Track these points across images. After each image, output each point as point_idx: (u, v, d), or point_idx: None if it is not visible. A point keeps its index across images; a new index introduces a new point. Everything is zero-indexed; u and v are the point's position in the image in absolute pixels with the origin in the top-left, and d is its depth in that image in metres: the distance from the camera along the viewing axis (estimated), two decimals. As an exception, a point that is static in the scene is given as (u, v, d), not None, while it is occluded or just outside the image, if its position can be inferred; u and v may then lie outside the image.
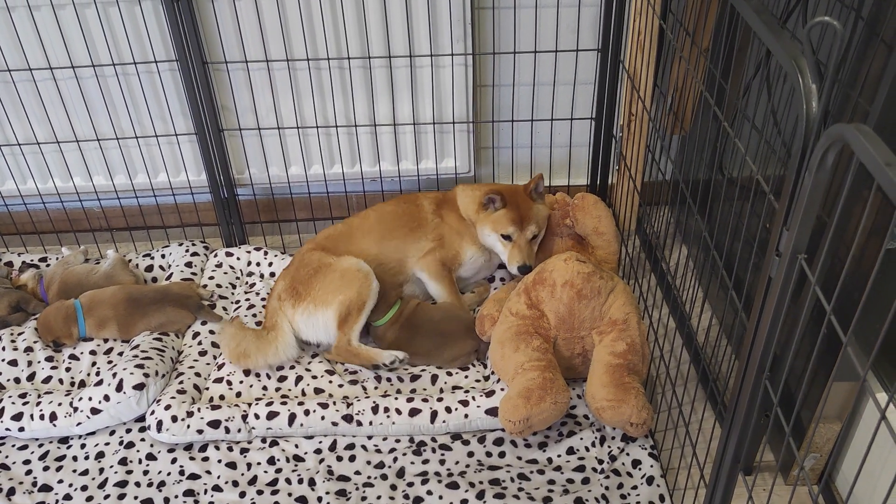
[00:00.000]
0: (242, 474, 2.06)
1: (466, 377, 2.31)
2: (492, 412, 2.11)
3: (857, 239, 1.19)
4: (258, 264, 2.76)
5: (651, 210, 2.72)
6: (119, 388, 2.16)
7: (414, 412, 2.12)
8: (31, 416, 2.16)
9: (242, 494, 2.00)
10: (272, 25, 2.48)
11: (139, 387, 2.17)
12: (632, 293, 2.25)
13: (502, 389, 2.14)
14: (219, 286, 2.65)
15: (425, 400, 2.15)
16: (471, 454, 2.09)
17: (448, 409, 2.13)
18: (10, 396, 2.20)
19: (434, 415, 2.12)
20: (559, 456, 2.07)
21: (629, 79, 2.53)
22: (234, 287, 2.69)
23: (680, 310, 2.37)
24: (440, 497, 1.95)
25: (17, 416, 2.16)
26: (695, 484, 1.95)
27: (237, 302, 2.61)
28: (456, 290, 2.49)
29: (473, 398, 2.14)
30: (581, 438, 2.09)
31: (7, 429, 2.16)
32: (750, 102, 2.18)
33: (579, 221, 2.49)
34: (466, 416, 2.12)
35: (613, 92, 2.58)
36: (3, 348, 2.40)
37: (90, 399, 2.16)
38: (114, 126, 2.66)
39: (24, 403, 2.18)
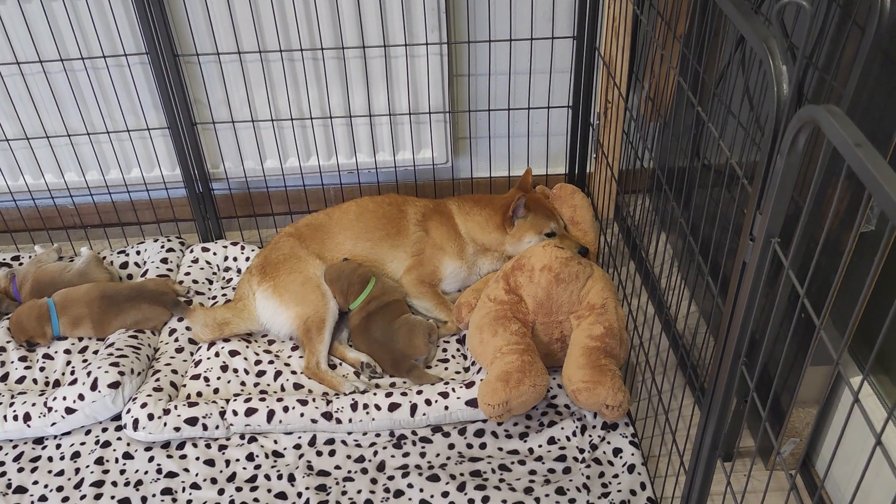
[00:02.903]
0: (221, 471, 2.04)
1: (446, 369, 2.30)
2: (472, 403, 2.10)
3: (829, 223, 1.18)
4: (235, 259, 2.73)
5: (629, 198, 2.71)
6: (94, 386, 2.13)
7: (393, 407, 2.11)
8: (5, 416, 2.12)
9: (221, 492, 1.98)
10: (244, 17, 2.44)
11: (114, 385, 2.14)
12: (610, 280, 2.25)
13: (482, 380, 2.12)
14: (195, 282, 2.62)
15: (404, 394, 2.14)
16: (451, 446, 2.07)
17: (428, 402, 2.11)
18: (-18, 398, 2.17)
19: (414, 408, 2.10)
20: (540, 446, 2.06)
21: (605, 66, 2.52)
22: (210, 283, 2.66)
23: (659, 297, 2.36)
24: (421, 490, 1.93)
25: (-9, 418, 2.13)
26: (675, 471, 1.95)
27: (214, 297, 2.58)
28: (441, 301, 2.45)
29: (453, 390, 2.13)
30: (562, 428, 2.08)
31: (-20, 431, 2.13)
32: (726, 88, 2.17)
33: (557, 211, 2.49)
34: (447, 407, 2.10)
35: (590, 80, 2.57)
36: (-24, 349, 2.37)
37: (65, 398, 2.12)
38: (84, 121, 2.61)
39: (-2, 404, 2.15)
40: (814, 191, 0.99)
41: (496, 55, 2.62)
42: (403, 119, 2.67)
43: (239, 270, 2.70)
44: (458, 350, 2.37)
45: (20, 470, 2.07)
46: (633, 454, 1.99)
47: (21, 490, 2.02)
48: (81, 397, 2.12)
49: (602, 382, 1.99)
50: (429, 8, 2.45)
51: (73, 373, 2.30)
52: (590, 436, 2.06)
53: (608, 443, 2.05)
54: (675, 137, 2.37)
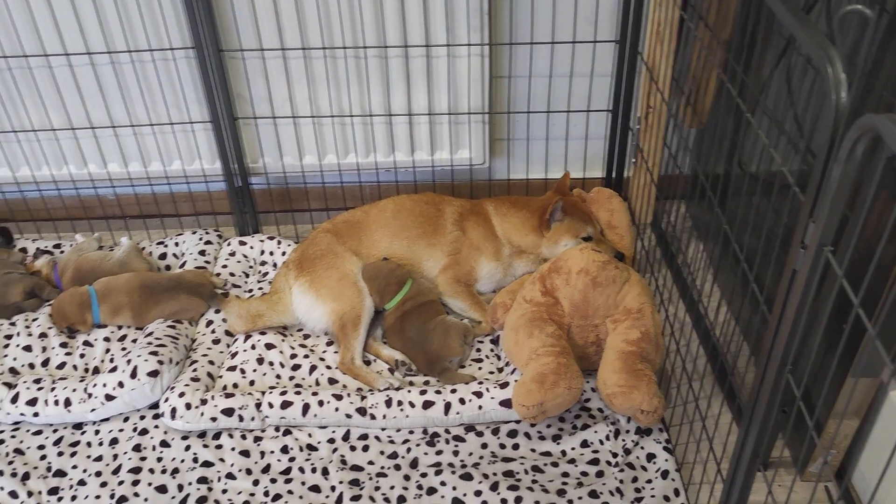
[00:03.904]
0: (256, 462, 2.06)
1: (480, 368, 2.30)
2: (506, 404, 2.10)
3: (888, 232, 1.17)
4: (271, 253, 2.76)
5: (668, 204, 2.70)
6: (133, 374, 2.16)
7: (427, 404, 2.12)
8: (46, 401, 2.16)
9: (256, 482, 2.00)
10: (288, 13, 2.47)
11: (153, 374, 2.17)
12: (647, 285, 2.24)
13: (516, 381, 2.13)
14: (232, 275, 2.65)
15: (438, 392, 2.15)
16: (484, 446, 2.08)
17: (462, 401, 2.12)
18: (24, 382, 2.20)
19: (448, 407, 2.11)
20: (573, 448, 2.06)
21: (647, 70, 2.51)
22: (247, 276, 2.69)
23: (696, 304, 2.35)
24: (454, 488, 1.94)
25: (32, 402, 2.16)
26: (710, 479, 1.94)
27: (250, 290, 2.61)
28: (477, 301, 2.45)
29: (487, 389, 2.14)
30: (595, 431, 2.08)
31: (22, 414, 2.16)
32: (767, 95, 2.16)
33: (594, 215, 2.50)
34: (480, 407, 2.11)
35: (631, 84, 2.56)
36: (18, 334, 2.41)
37: (104, 385, 2.16)
38: (129, 113, 2.66)
39: (39, 389, 2.18)
40: (871, 200, 0.99)
41: (536, 57, 2.62)
42: (442, 119, 2.68)
43: (275, 265, 2.73)
44: (491, 350, 2.38)
45: (60, 454, 2.10)
46: (666, 460, 1.99)
47: (61, 474, 2.05)
48: (121, 385, 2.15)
49: (638, 387, 1.99)
50: (472, 9, 2.45)
51: (112, 360, 2.34)
52: (623, 440, 2.06)
53: (642, 448, 2.04)
54: (714, 144, 2.36)
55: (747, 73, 2.18)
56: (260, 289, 2.60)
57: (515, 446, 2.08)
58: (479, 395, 2.13)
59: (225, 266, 2.67)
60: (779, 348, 1.28)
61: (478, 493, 1.92)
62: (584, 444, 2.06)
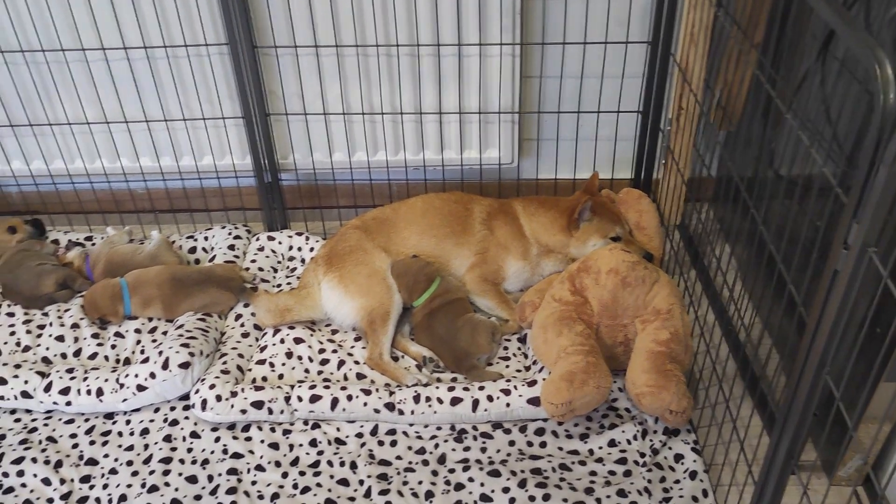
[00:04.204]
0: (285, 455, 2.07)
1: (507, 367, 2.31)
2: (534, 402, 2.11)
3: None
4: (299, 249, 2.78)
5: (697, 206, 2.70)
6: (165, 366, 2.18)
7: (455, 401, 2.13)
8: (79, 390, 2.19)
9: (285, 475, 2.02)
10: (322, 10, 2.49)
11: (185, 365, 2.19)
12: (676, 286, 2.24)
13: (544, 379, 2.13)
14: (260, 269, 2.67)
15: (466, 389, 2.16)
16: (512, 443, 2.09)
17: (490, 398, 2.13)
18: (57, 371, 2.23)
19: (476, 403, 2.12)
20: (600, 448, 2.06)
21: (680, 72, 2.51)
22: (275, 271, 2.71)
23: (724, 307, 2.35)
24: (482, 484, 1.95)
25: (65, 391, 2.19)
26: (738, 480, 1.93)
27: (279, 285, 2.63)
28: (504, 300, 2.46)
29: (515, 387, 2.15)
30: (623, 431, 2.08)
31: (55, 402, 2.20)
32: (802, 98, 2.16)
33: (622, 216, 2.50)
34: (508, 405, 2.12)
35: (662, 85, 2.56)
36: (51, 324, 2.44)
37: (136, 376, 2.19)
38: (162, 108, 2.68)
39: (72, 378, 2.21)
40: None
41: (567, 58, 2.63)
42: (472, 118, 2.69)
43: (303, 260, 2.75)
44: (518, 349, 2.38)
45: (92, 443, 2.13)
46: (694, 461, 1.99)
47: (92, 462, 2.08)
48: (153, 375, 2.18)
49: (667, 387, 1.99)
50: (504, 8, 2.46)
51: (143, 351, 2.36)
52: (651, 440, 2.06)
53: (669, 448, 2.04)
54: (746, 146, 2.36)
55: (779, 75, 2.18)
56: (288, 284, 2.63)
57: (543, 444, 2.09)
58: (506, 392, 2.14)
59: (253, 261, 2.70)
60: (817, 349, 1.28)
61: (506, 490, 1.93)
62: (612, 443, 2.07)
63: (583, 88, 2.67)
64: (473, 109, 2.67)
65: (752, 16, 2.26)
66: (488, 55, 2.56)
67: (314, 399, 2.14)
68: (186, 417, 2.18)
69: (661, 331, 2.10)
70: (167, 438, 2.12)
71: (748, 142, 2.39)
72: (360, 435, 2.13)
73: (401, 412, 2.13)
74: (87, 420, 2.20)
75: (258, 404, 2.13)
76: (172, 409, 2.21)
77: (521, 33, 2.52)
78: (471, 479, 1.97)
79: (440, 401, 2.13)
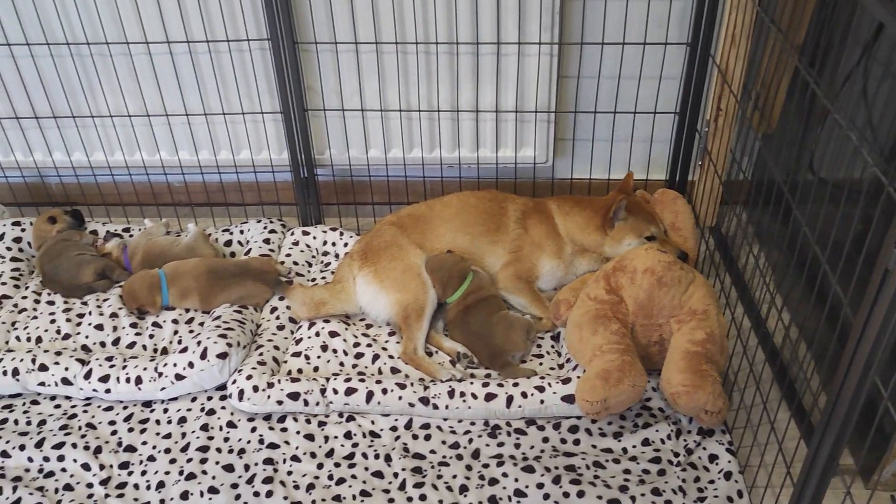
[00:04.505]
0: (320, 446, 2.09)
1: (541, 364, 2.32)
2: (568, 399, 2.12)
3: None
4: (333, 244, 2.81)
5: (733, 207, 2.69)
6: (203, 355, 2.21)
7: (490, 397, 2.14)
8: (118, 378, 2.23)
9: (320, 466, 2.04)
10: (363, 8, 2.51)
11: (222, 356, 2.22)
12: (712, 287, 2.24)
13: (578, 377, 2.14)
14: (295, 263, 2.70)
15: (501, 385, 2.17)
16: (546, 440, 2.10)
17: (524, 395, 2.14)
18: (97, 359, 2.27)
19: (510, 400, 2.13)
20: (634, 447, 2.06)
21: (720, 73, 2.51)
22: (310, 265, 2.73)
23: (758, 309, 2.35)
24: (516, 479, 1.96)
25: (104, 378, 2.22)
26: (773, 483, 1.93)
27: (313, 279, 2.66)
28: (538, 298, 2.47)
29: (549, 384, 2.15)
30: (657, 430, 2.08)
31: (94, 389, 2.23)
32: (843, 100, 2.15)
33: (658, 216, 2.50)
34: (542, 401, 2.13)
35: (700, 87, 2.56)
36: (90, 313, 2.48)
37: (175, 365, 2.22)
38: (203, 102, 2.72)
39: (111, 366, 2.25)
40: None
41: (604, 59, 2.63)
42: (508, 117, 2.71)
43: (337, 255, 2.77)
44: (552, 347, 2.39)
45: (130, 430, 2.16)
46: (729, 461, 1.99)
47: (131, 449, 2.11)
48: (191, 365, 2.21)
49: (703, 387, 1.99)
50: (544, 8, 2.47)
51: (180, 342, 2.39)
52: (685, 440, 2.06)
53: (704, 448, 2.04)
54: (786, 148, 2.35)
55: (822, 77, 2.17)
56: (323, 278, 2.65)
57: (576, 441, 2.09)
58: (541, 389, 2.14)
59: (288, 255, 2.72)
60: (864, 350, 1.28)
61: (540, 486, 1.94)
62: (646, 442, 2.07)
63: (619, 89, 2.68)
64: (510, 108, 2.68)
65: (793, 17, 2.25)
66: (526, 54, 2.57)
67: (349, 392, 2.16)
68: (223, 407, 2.21)
69: (697, 331, 2.10)
70: (204, 427, 2.15)
71: (788, 144, 2.38)
72: (394, 428, 2.14)
73: (435, 406, 2.14)
74: (125, 408, 2.23)
75: (294, 396, 2.15)
76: (209, 398, 2.24)
77: (559, 33, 2.53)
78: (505, 475, 1.98)
79: (474, 396, 2.14)
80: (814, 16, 2.25)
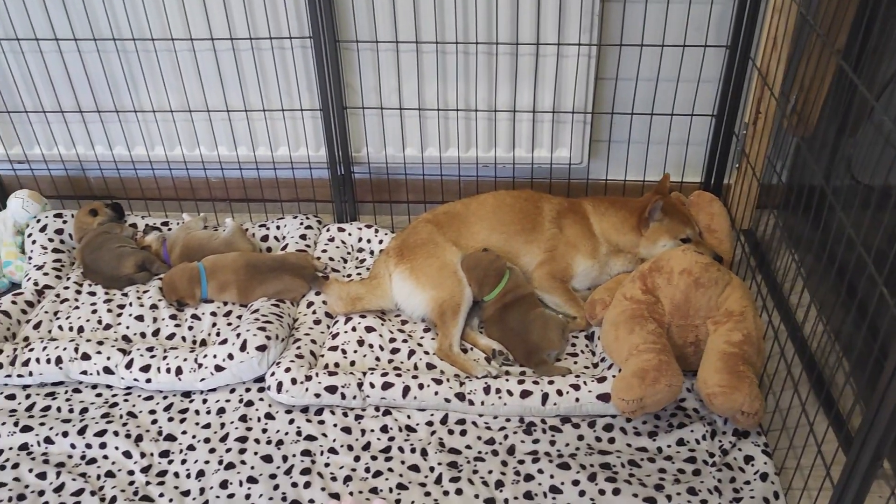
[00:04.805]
0: (357, 440, 2.12)
1: (576, 363, 2.33)
2: (603, 398, 2.13)
3: None
4: (368, 241, 2.83)
5: (767, 212, 2.69)
6: (243, 347, 2.24)
7: (525, 394, 2.15)
8: (158, 368, 2.26)
9: (357, 458, 2.06)
10: (404, 7, 2.54)
11: (262, 348, 2.25)
12: (748, 290, 2.24)
13: (614, 376, 2.15)
14: (331, 259, 2.72)
15: (536, 382, 2.18)
16: (581, 437, 2.11)
17: (559, 392, 2.15)
18: (138, 349, 2.30)
19: (545, 397, 2.15)
20: (669, 446, 2.07)
21: (761, 76, 2.51)
22: (345, 261, 2.76)
23: (793, 314, 2.34)
24: (551, 476, 1.97)
25: (145, 368, 2.26)
26: (810, 485, 1.93)
27: (348, 275, 2.68)
28: (572, 297, 2.48)
29: (585, 383, 2.16)
30: (691, 431, 2.09)
31: (135, 379, 2.27)
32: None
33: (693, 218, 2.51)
34: (577, 399, 2.14)
35: (739, 89, 2.56)
36: (131, 304, 2.52)
37: (215, 357, 2.25)
38: (244, 98, 2.76)
39: (152, 357, 2.28)
40: None
41: (642, 61, 2.64)
42: (544, 117, 2.72)
43: (372, 252, 2.80)
44: (586, 346, 2.40)
45: (170, 420, 2.20)
46: (765, 463, 1.99)
47: (171, 438, 2.14)
48: (231, 357, 2.24)
49: (739, 388, 1.99)
50: (584, 9, 2.49)
51: (218, 334, 2.43)
52: (720, 441, 2.07)
53: (739, 449, 2.05)
54: (826, 153, 2.35)
55: (862, 79, 2.17)
56: (358, 274, 2.68)
57: (611, 440, 2.10)
58: (576, 387, 2.16)
59: (324, 251, 2.75)
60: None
61: (575, 483, 1.95)
62: (680, 442, 2.08)
63: (656, 92, 2.68)
64: (547, 109, 2.69)
65: (834, 20, 2.25)
66: (565, 55, 2.59)
67: (386, 386, 2.18)
68: (261, 399, 2.24)
69: (734, 332, 2.11)
70: (242, 418, 2.18)
71: (825, 148, 2.38)
72: (430, 423, 2.16)
73: (471, 402, 2.16)
74: (165, 397, 2.27)
75: (332, 389, 2.18)
76: (247, 390, 2.27)
77: (598, 34, 2.54)
78: (540, 471, 1.99)
79: (510, 393, 2.16)
80: (855, 19, 2.25)
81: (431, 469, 2.03)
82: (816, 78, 2.33)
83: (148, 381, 2.26)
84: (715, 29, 2.57)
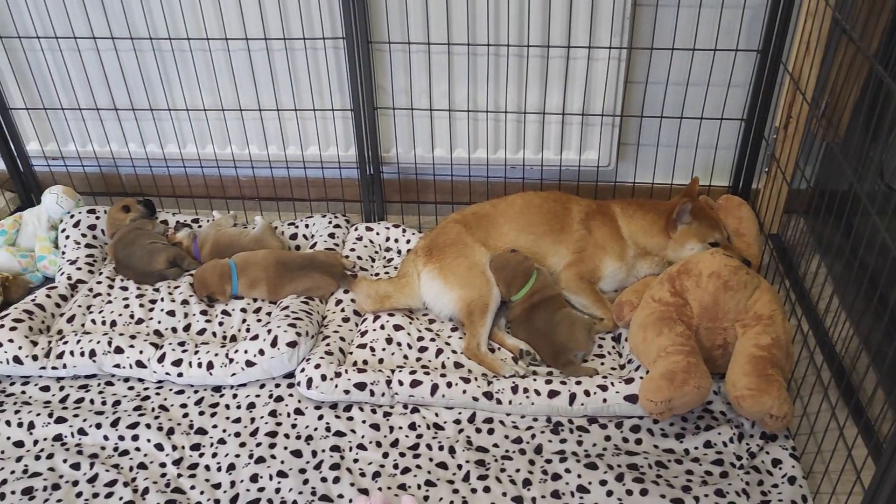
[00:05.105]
0: (385, 436, 2.14)
1: (602, 364, 2.34)
2: (630, 399, 2.14)
3: None
4: (396, 241, 2.85)
5: (796, 216, 2.69)
6: (273, 343, 2.27)
7: (553, 394, 2.16)
8: (190, 363, 2.29)
9: (385, 455, 2.08)
10: (437, 9, 2.56)
11: (292, 344, 2.27)
12: (777, 293, 2.24)
13: (641, 377, 2.16)
14: (359, 258, 2.75)
15: (564, 382, 2.19)
16: (608, 438, 2.12)
17: (587, 393, 2.16)
18: (170, 343, 2.34)
19: (573, 397, 2.16)
20: (696, 448, 2.08)
21: (792, 81, 2.51)
22: (373, 260, 2.78)
23: (821, 319, 2.34)
24: (578, 475, 1.98)
25: (177, 362, 2.29)
26: (838, 490, 1.93)
27: (376, 274, 2.70)
28: (599, 298, 2.49)
29: (612, 384, 2.17)
30: (719, 433, 2.09)
31: (167, 373, 2.30)
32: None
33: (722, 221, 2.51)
34: (605, 400, 2.15)
35: (769, 94, 2.56)
36: (162, 299, 2.56)
37: (246, 352, 2.28)
38: (276, 98, 2.79)
39: (184, 351, 2.31)
40: None
41: (672, 65, 2.65)
42: (573, 120, 2.73)
43: (399, 251, 2.82)
44: (613, 347, 2.41)
45: (201, 413, 2.23)
46: (793, 466, 1.99)
47: (202, 431, 2.17)
48: (262, 352, 2.27)
49: (768, 391, 1.99)
50: (616, 13, 2.50)
51: (248, 330, 2.46)
52: (747, 444, 2.07)
53: (767, 453, 2.04)
54: (858, 158, 2.34)
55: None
56: (386, 273, 2.70)
57: (639, 441, 2.11)
58: (604, 388, 2.17)
59: (353, 249, 2.78)
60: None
61: (603, 483, 1.96)
62: (708, 444, 2.08)
63: (686, 95, 2.69)
64: (576, 111, 2.70)
65: (867, 25, 2.25)
66: (595, 59, 2.60)
67: (415, 384, 2.20)
68: (290, 395, 2.26)
69: (763, 335, 2.11)
70: (272, 413, 2.20)
71: (856, 153, 2.37)
72: (457, 421, 2.18)
73: (499, 401, 2.18)
74: (195, 392, 2.30)
75: (361, 386, 2.20)
76: (277, 385, 2.30)
77: (629, 38, 2.55)
78: (567, 471, 2.00)
79: (538, 392, 2.17)
80: (888, 24, 2.24)
81: (459, 467, 2.04)
82: (847, 82, 2.33)
83: (179, 375, 2.29)
84: (746, 33, 2.57)
